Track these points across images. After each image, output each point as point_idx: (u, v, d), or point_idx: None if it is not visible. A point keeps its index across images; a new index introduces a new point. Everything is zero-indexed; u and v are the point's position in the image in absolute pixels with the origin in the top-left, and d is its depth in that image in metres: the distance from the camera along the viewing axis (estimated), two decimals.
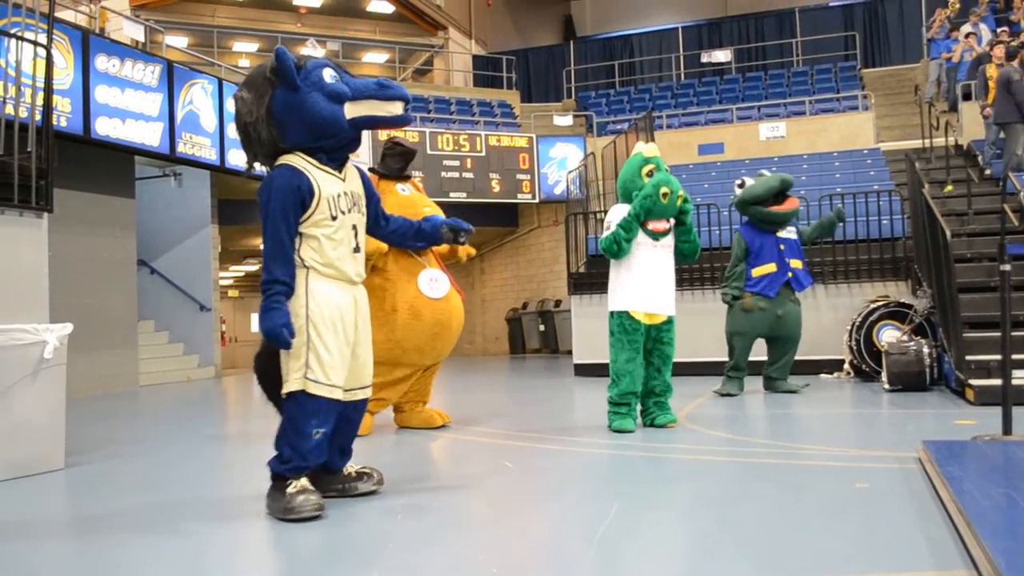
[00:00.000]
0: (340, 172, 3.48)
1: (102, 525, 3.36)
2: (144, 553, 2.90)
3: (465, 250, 5.93)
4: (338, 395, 3.36)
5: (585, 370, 10.24)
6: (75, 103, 9.89)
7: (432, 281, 5.62)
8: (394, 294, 5.53)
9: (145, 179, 12.66)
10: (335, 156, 3.45)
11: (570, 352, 11.48)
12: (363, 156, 15.09)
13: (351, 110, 3.37)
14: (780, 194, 7.55)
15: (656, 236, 5.44)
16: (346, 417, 3.51)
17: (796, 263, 7.59)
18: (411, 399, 5.96)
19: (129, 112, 10.65)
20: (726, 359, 7.70)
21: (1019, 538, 2.55)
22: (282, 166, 3.38)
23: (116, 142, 10.50)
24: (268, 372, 3.46)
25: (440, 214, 5.52)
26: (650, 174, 5.47)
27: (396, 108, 3.44)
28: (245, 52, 22.35)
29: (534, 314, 17.75)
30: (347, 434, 3.60)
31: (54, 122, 9.45)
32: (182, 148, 11.56)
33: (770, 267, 7.54)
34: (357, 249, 3.49)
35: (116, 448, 5.64)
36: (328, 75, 3.38)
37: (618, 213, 5.50)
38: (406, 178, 5.79)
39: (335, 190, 3.40)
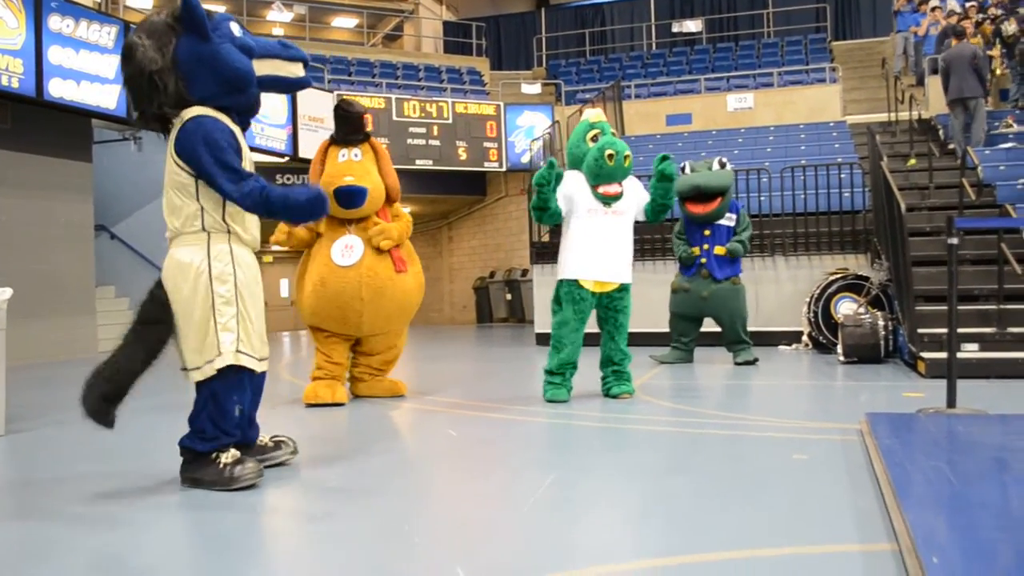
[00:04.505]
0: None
1: (39, 493, 3.31)
2: (81, 525, 2.85)
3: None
4: (259, 367, 3.29)
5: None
6: (27, 64, 9.63)
7: (346, 248, 5.34)
8: (309, 260, 5.44)
9: (104, 143, 12.43)
10: (242, 120, 3.32)
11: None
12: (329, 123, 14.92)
13: (256, 67, 3.26)
14: (702, 195, 7.52)
15: (607, 201, 5.39)
16: (255, 388, 3.44)
17: (721, 250, 7.60)
18: (365, 370, 5.80)
19: (84, 74, 10.39)
20: None
21: (940, 511, 2.56)
22: (203, 115, 3.14)
23: (71, 104, 10.25)
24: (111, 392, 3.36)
25: (358, 183, 5.26)
26: (595, 139, 5.44)
27: (298, 69, 3.38)
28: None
29: (501, 283, 17.72)
30: (255, 405, 3.52)
31: (4, 83, 9.33)
32: None
33: (692, 250, 7.70)
34: None
35: (61, 415, 5.55)
36: (236, 29, 3.26)
37: (568, 179, 5.45)
38: (356, 142, 5.43)
39: (247, 150, 3.29)
